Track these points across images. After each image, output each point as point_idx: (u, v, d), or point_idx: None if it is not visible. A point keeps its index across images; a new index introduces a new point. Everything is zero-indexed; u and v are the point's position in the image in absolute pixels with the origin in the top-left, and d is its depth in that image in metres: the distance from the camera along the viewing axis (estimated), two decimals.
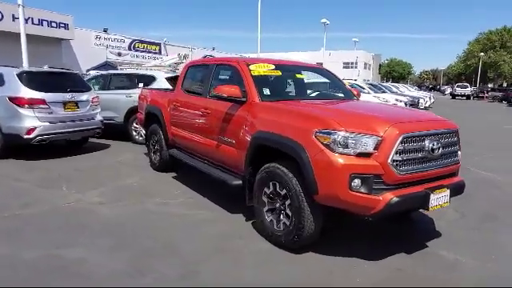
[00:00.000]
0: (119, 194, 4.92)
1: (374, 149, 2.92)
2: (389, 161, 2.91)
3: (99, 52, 28.57)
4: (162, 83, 8.26)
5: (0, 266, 3.03)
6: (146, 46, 35.01)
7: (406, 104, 15.60)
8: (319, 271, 3.09)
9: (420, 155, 3.09)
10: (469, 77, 62.91)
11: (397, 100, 15.88)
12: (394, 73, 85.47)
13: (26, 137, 6.41)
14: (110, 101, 8.46)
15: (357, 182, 2.90)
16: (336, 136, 2.94)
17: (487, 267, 3.21)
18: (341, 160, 2.89)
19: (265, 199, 3.60)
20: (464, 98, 44.13)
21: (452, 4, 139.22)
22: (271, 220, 3.54)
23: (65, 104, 6.88)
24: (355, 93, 4.86)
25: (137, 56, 33.11)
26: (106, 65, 25.00)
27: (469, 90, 45.13)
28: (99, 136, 7.84)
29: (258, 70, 4.21)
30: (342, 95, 4.79)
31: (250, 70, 4.15)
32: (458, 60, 69.95)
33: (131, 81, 8.79)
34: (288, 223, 3.32)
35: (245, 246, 3.53)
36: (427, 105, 22.56)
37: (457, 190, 3.39)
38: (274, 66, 4.40)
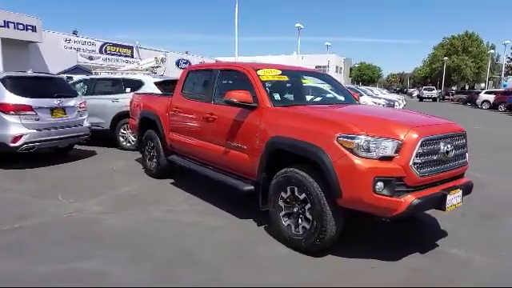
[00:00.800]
0: (121, 203, 4.79)
1: (395, 152, 3.01)
2: (410, 163, 3.01)
3: (69, 55, 27.71)
4: (150, 88, 8.13)
5: (13, 282, 2.88)
6: (117, 49, 34.23)
7: (383, 106, 16.06)
8: (342, 273, 3.14)
9: (435, 158, 3.21)
10: (434, 80, 65.62)
11: (374, 103, 16.34)
12: (364, 76, 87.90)
13: (12, 145, 6.12)
14: (95, 106, 8.19)
15: (380, 184, 2.97)
16: (359, 140, 3.00)
17: (498, 264, 3.35)
18: (365, 164, 2.96)
19: (281, 204, 3.61)
20: (430, 100, 46.02)
21: (419, 10, 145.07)
22: (288, 224, 3.56)
23: (52, 110, 6.62)
24: (356, 97, 4.98)
25: (109, 59, 32.33)
26: (77, 68, 24.24)
27: (435, 93, 47.14)
28: (86, 143, 7.60)
29: (267, 75, 4.23)
30: (343, 99, 4.88)
31: (259, 76, 4.16)
32: (424, 64, 72.80)
33: (118, 85, 8.57)
34: (308, 227, 3.34)
35: (263, 251, 3.52)
36: (401, 107, 23.31)
37: (467, 190, 3.55)
38: (280, 72, 4.43)
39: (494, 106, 29.57)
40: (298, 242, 3.43)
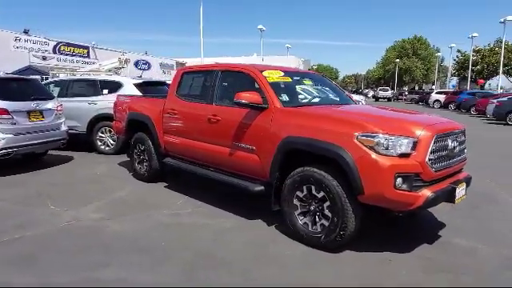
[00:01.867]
0: (119, 208, 4.62)
1: (412, 149, 3.18)
2: (426, 160, 3.19)
3: (20, 55, 26.12)
4: (129, 90, 7.88)
5: None
6: (72, 49, 32.73)
7: None
8: (364, 267, 3.25)
9: (444, 153, 3.43)
10: (387, 81, 68.89)
11: None
12: None
13: None
14: (70, 109, 7.78)
15: (400, 180, 3.12)
16: (379, 139, 3.14)
17: (498, 252, 3.59)
18: (386, 161, 3.10)
19: (297, 203, 3.68)
20: (386, 100, 48.25)
21: (373, 14, 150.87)
22: (305, 222, 3.63)
23: (29, 113, 6.24)
24: (352, 98, 5.16)
25: (63, 60, 30.83)
26: (29, 69, 22.83)
27: (390, 93, 49.55)
28: (64, 147, 7.23)
29: (272, 76, 4.28)
30: (339, 99, 5.01)
31: (266, 77, 4.20)
32: (377, 66, 76.20)
33: (94, 87, 8.22)
34: (327, 224, 3.44)
35: (280, 250, 3.56)
36: None
37: (468, 183, 3.81)
38: (283, 73, 4.50)
39: (444, 105, 31.56)
40: (316, 240, 3.51)
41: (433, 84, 61.78)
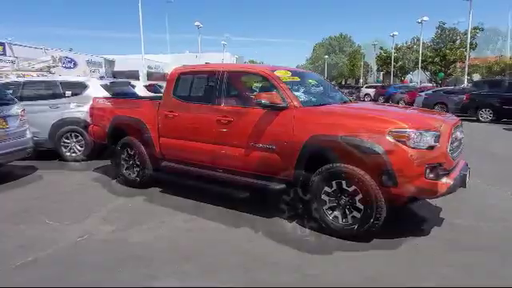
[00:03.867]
0: (127, 218, 4.37)
1: (436, 142, 3.50)
2: (448, 150, 3.54)
3: None
4: (96, 91, 7.37)
5: None
6: None
7: None
8: (403, 251, 3.52)
9: (456, 144, 3.84)
10: None
11: None
12: None
13: None
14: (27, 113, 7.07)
15: (429, 171, 3.43)
16: (409, 134, 3.41)
17: (496, 227, 4.09)
18: (418, 154, 3.39)
19: (325, 198, 3.82)
20: None
21: (303, 12, 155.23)
22: (335, 216, 3.80)
23: None
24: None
25: None
26: None
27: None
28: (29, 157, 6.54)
29: (284, 76, 4.37)
30: (339, 98, 5.24)
31: (279, 77, 4.27)
32: (307, 62, 79.51)
33: (54, 89, 7.51)
34: (359, 216, 3.64)
35: (318, 246, 3.65)
36: None
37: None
38: (290, 73, 4.60)
39: (374, 99, 34.01)
40: (349, 231, 3.69)
41: (359, 78, 66.06)
